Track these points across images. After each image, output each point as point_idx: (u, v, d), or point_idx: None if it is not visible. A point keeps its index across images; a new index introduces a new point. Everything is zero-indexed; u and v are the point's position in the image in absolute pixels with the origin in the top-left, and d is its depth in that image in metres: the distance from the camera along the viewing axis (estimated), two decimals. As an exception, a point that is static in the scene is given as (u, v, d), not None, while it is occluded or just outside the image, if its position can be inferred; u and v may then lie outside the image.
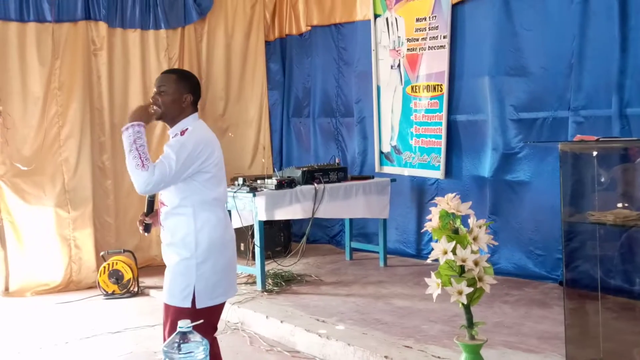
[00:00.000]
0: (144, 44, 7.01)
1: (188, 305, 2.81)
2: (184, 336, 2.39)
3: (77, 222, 6.40)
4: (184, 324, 2.41)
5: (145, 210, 3.01)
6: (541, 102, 5.47)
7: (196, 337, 2.39)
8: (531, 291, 5.23)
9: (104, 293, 6.00)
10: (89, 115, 6.57)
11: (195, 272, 2.82)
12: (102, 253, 6.24)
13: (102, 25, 6.69)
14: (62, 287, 6.27)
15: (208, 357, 2.33)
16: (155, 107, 2.87)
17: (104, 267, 6.01)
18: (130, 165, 2.69)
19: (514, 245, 5.70)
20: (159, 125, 6.85)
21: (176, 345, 2.35)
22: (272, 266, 6.16)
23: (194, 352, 2.31)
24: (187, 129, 2.86)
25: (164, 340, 2.87)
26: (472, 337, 3.76)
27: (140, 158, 2.67)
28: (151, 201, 2.98)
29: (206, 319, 2.69)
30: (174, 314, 2.80)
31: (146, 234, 3.07)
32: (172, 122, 2.91)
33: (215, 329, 3.09)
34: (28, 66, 6.28)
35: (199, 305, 2.82)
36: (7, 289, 6.17)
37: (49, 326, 5.23)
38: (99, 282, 6.02)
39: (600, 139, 3.23)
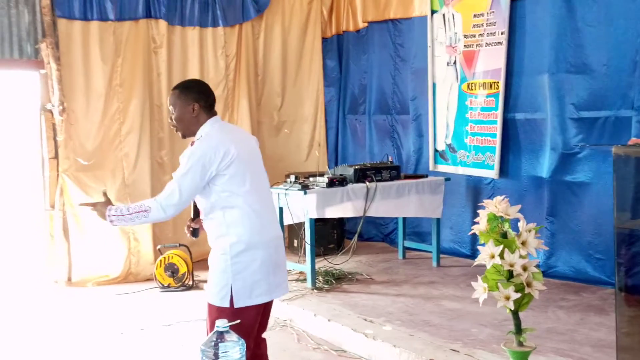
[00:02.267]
0: (203, 41, 7.13)
1: (227, 305, 2.85)
2: (221, 335, 2.42)
3: (136, 215, 6.57)
4: (221, 324, 2.45)
5: (192, 216, 3.07)
6: (603, 100, 5.26)
7: (233, 336, 2.42)
8: (589, 296, 5.05)
9: (160, 286, 6.16)
10: (149, 112, 6.74)
11: (231, 272, 2.85)
12: (158, 247, 6.40)
13: (162, 23, 6.85)
14: (122, 279, 6.47)
15: (244, 357, 2.36)
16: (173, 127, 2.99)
17: (161, 260, 6.17)
18: (144, 222, 2.87)
19: (573, 248, 5.52)
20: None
21: (213, 344, 2.39)
22: (323, 264, 6.17)
23: (229, 351, 2.35)
24: (198, 138, 2.90)
25: None
26: (520, 344, 3.68)
27: (138, 212, 2.81)
28: (195, 205, 3.02)
29: (245, 319, 2.74)
30: (214, 314, 2.84)
31: (194, 238, 3.14)
32: (192, 133, 2.96)
33: (263, 328, 3.12)
34: (91, 64, 6.49)
35: (237, 305, 2.85)
36: (69, 279, 6.42)
37: (108, 316, 5.41)
38: (155, 275, 6.18)
39: (656, 143, 3.08)
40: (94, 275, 6.42)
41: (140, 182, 6.63)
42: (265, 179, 3.11)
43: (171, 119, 2.96)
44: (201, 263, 6.79)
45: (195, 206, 3.02)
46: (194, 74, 7.06)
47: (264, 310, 3.05)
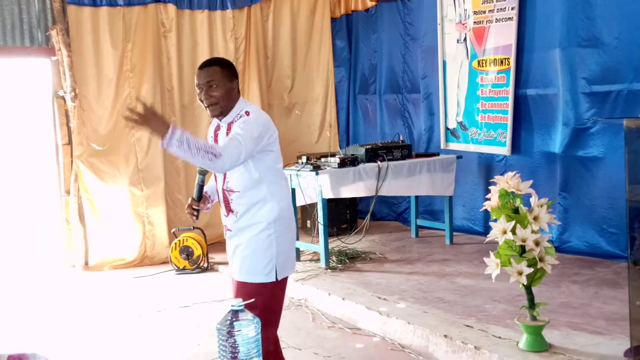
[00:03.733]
0: (212, 24, 7.12)
1: (273, 279, 2.86)
2: (236, 314, 2.46)
3: (150, 199, 6.65)
4: (235, 302, 2.49)
5: (195, 197, 2.96)
6: (616, 74, 5.21)
7: (248, 315, 2.46)
8: (603, 271, 5.05)
9: (176, 268, 6.23)
10: (160, 96, 6.77)
11: (275, 245, 2.87)
12: (173, 230, 6.47)
13: (171, 7, 6.85)
14: (138, 262, 6.55)
15: (260, 335, 2.39)
16: (208, 106, 2.85)
17: (175, 243, 6.23)
18: (203, 163, 2.64)
19: (586, 223, 5.50)
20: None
21: (229, 322, 2.43)
22: (337, 243, 6.20)
23: (244, 329, 2.38)
24: (247, 111, 2.86)
25: None
26: (534, 318, 3.70)
27: (207, 152, 2.58)
28: (201, 186, 2.95)
29: (283, 290, 2.93)
30: (256, 291, 2.78)
31: (196, 220, 3.04)
32: (229, 111, 2.89)
33: None
34: (102, 49, 6.52)
35: (280, 277, 2.88)
36: (86, 263, 6.51)
37: (125, 299, 5.49)
38: (170, 258, 6.25)
39: (668, 115, 3.06)
40: (111, 259, 6.51)
41: (154, 167, 6.68)
42: None
43: (211, 94, 2.82)
44: (216, 245, 6.86)
45: (200, 187, 2.95)
46: (203, 57, 7.03)
47: None
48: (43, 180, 6.78)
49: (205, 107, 2.86)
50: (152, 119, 2.52)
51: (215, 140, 2.97)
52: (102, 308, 5.28)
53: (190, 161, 2.62)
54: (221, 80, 2.82)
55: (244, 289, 2.86)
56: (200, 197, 2.96)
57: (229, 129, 2.85)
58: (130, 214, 6.57)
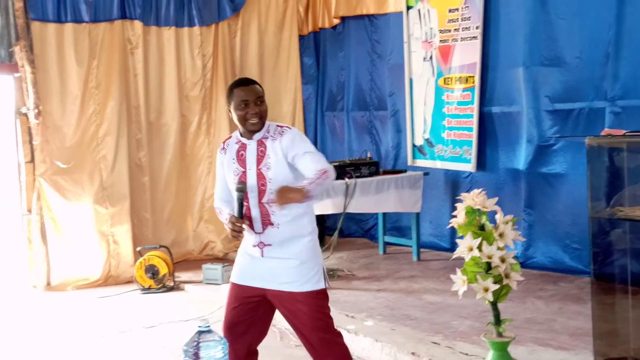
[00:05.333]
0: (179, 41, 7.10)
1: (323, 285, 2.97)
2: (202, 335, 2.42)
3: (115, 218, 6.55)
4: (202, 324, 2.45)
5: (236, 214, 2.94)
6: (577, 92, 5.34)
7: (215, 336, 2.43)
8: (566, 286, 5.12)
9: (141, 288, 6.13)
10: (126, 113, 6.70)
11: (319, 254, 3.02)
12: (138, 248, 6.37)
13: (138, 24, 6.81)
14: (102, 282, 6.43)
15: (227, 357, 2.36)
16: (255, 120, 2.93)
17: (141, 262, 6.14)
18: (327, 185, 2.90)
19: (550, 239, 5.59)
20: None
21: (195, 343, 2.39)
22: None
23: (211, 351, 2.35)
24: (279, 125, 2.99)
25: None
26: (500, 334, 3.71)
27: (324, 178, 2.83)
28: (241, 203, 2.92)
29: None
30: (309, 299, 2.90)
31: (240, 238, 3.02)
32: (262, 128, 3.00)
33: None
34: (66, 66, 6.44)
35: (327, 284, 3.01)
36: (49, 283, 6.36)
37: (88, 320, 5.37)
38: (135, 277, 6.15)
39: (627, 133, 3.13)
40: (74, 278, 6.36)
41: (119, 185, 6.59)
42: None
43: (260, 110, 2.94)
44: (182, 264, 6.80)
45: (241, 205, 2.93)
46: (171, 74, 7.04)
47: None
48: (4, 199, 6.64)
49: (250, 122, 2.92)
50: (288, 196, 2.76)
51: (242, 162, 2.96)
52: (64, 329, 5.15)
53: (325, 189, 3.00)
54: (264, 97, 2.99)
55: (297, 297, 2.92)
56: (242, 214, 2.94)
57: (260, 144, 2.94)
58: (95, 232, 6.46)
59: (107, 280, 6.46)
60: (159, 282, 6.12)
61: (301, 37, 8.00)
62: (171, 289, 6.15)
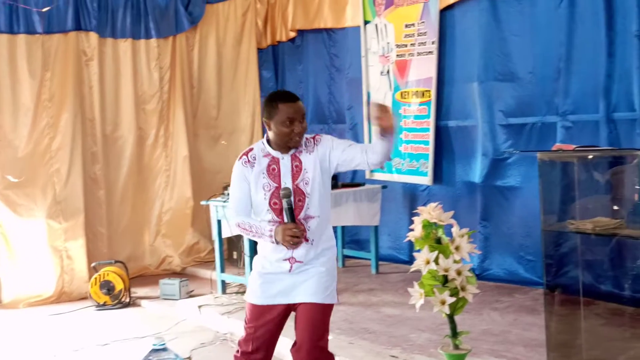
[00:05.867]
0: (135, 53, 7.02)
1: (336, 300, 3.02)
2: (157, 353, 2.38)
3: (69, 233, 6.41)
4: (157, 342, 2.41)
5: (288, 220, 2.86)
6: (530, 107, 5.46)
7: (170, 354, 2.39)
8: (521, 297, 5.21)
9: (96, 304, 6.00)
10: (81, 126, 6.59)
11: (336, 267, 3.07)
12: (93, 264, 6.24)
13: (93, 36, 6.71)
14: (55, 299, 6.27)
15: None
16: (299, 138, 2.92)
17: (95, 278, 6.01)
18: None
19: (505, 251, 5.68)
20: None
21: (150, 363, 2.34)
22: (263, 275, 6.13)
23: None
24: (313, 136, 2.99)
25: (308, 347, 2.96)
26: (456, 347, 3.75)
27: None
28: (291, 209, 2.85)
29: None
30: (322, 312, 2.95)
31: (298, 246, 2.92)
32: None
33: None
34: (18, 78, 6.31)
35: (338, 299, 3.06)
36: (0, 300, 6.18)
37: (40, 338, 5.23)
38: (90, 294, 6.02)
39: (577, 148, 3.21)
40: (25, 295, 6.20)
41: (73, 198, 6.46)
42: None
43: (304, 127, 2.91)
44: (138, 279, 6.69)
45: (291, 211, 2.85)
46: (127, 86, 6.95)
47: None
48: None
49: (295, 140, 2.90)
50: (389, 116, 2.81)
51: (273, 176, 2.91)
52: (14, 348, 5.00)
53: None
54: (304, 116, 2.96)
55: (320, 310, 2.95)
56: (294, 220, 2.86)
57: (294, 159, 2.93)
58: (48, 248, 6.31)
59: (61, 296, 6.31)
60: (115, 298, 6.00)
61: (260, 50, 8.00)
62: (127, 305, 6.03)
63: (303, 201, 2.89)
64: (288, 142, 2.90)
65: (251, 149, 2.98)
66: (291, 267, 2.93)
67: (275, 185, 2.90)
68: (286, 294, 2.96)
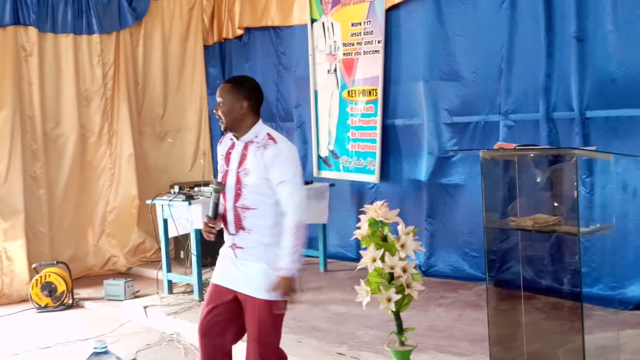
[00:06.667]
0: (77, 49, 6.86)
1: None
2: (98, 356, 2.34)
3: (8, 233, 6.22)
4: (99, 345, 2.36)
5: (211, 215, 2.92)
6: (473, 106, 5.57)
7: (112, 357, 2.35)
8: (466, 293, 5.31)
9: (37, 306, 5.84)
10: (20, 123, 6.39)
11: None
12: (34, 265, 6.06)
13: (32, 30, 6.53)
14: (-7, 301, 6.08)
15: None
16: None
17: (36, 279, 5.84)
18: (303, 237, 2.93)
19: (450, 247, 5.78)
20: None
21: (93, 367, 2.29)
22: (211, 274, 6.06)
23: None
24: (269, 134, 2.93)
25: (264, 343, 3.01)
26: (402, 343, 3.80)
27: (298, 237, 2.88)
28: (216, 204, 2.91)
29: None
30: (270, 307, 2.90)
31: (214, 239, 2.97)
32: (239, 130, 2.95)
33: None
34: (-47, 73, 6.08)
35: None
36: None
37: (-24, 343, 5.05)
38: (31, 296, 5.85)
39: (517, 147, 3.30)
40: (-38, 298, 5.99)
41: (12, 198, 6.26)
42: None
43: (217, 110, 2.94)
44: (81, 280, 6.55)
45: (216, 206, 2.91)
46: (69, 82, 6.78)
47: None
48: None
49: (220, 122, 2.97)
50: (285, 292, 2.87)
51: (227, 161, 2.96)
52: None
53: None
54: (228, 99, 2.92)
55: (257, 305, 2.92)
56: (216, 215, 2.91)
57: (245, 147, 2.91)
58: (-15, 249, 6.11)
59: (0, 299, 6.10)
60: (57, 300, 5.84)
61: (206, 48, 7.93)
62: (70, 306, 5.88)
63: (241, 190, 2.91)
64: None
65: None
66: (234, 253, 2.96)
67: (226, 169, 2.97)
68: (233, 280, 2.96)
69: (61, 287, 5.85)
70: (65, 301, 5.88)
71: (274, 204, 2.91)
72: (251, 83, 3.02)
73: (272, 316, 2.95)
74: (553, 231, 3.15)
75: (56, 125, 6.74)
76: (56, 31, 6.71)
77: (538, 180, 3.38)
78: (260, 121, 2.99)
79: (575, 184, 3.12)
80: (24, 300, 6.03)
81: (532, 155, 3.34)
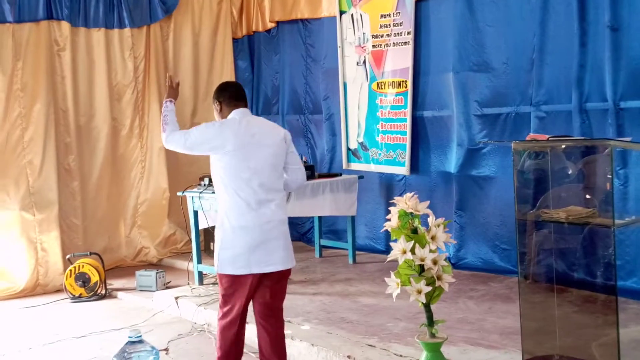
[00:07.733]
0: (109, 43, 6.95)
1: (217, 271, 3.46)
2: (134, 345, 2.37)
3: (43, 224, 6.33)
4: (133, 334, 2.40)
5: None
6: (504, 97, 5.50)
7: (146, 346, 2.38)
8: (496, 286, 5.27)
9: (71, 296, 5.95)
10: (54, 117, 6.50)
11: (220, 244, 3.45)
12: (68, 256, 6.18)
13: (65, 25, 6.62)
14: (29, 291, 6.20)
15: (159, 366, 2.32)
16: None
17: (70, 270, 5.95)
18: (162, 130, 3.49)
19: (480, 240, 5.74)
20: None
21: (126, 353, 2.34)
22: (240, 265, 6.12)
23: (144, 361, 2.30)
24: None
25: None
26: (433, 335, 3.80)
27: (162, 124, 3.48)
28: None
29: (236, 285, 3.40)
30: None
31: None
32: None
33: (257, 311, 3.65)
34: (-11, 68, 6.19)
35: (220, 271, 3.42)
36: (-29, 294, 6.10)
37: (12, 332, 5.17)
38: (65, 286, 5.97)
39: (550, 138, 3.25)
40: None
41: (46, 190, 6.38)
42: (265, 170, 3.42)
43: None
44: (114, 271, 6.65)
45: None
46: (101, 76, 6.87)
47: (257, 289, 3.50)
48: None
49: None
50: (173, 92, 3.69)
51: None
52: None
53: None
54: (213, 104, 3.57)
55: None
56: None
57: None
58: (21, 240, 6.23)
59: (35, 289, 6.23)
60: (90, 290, 5.95)
61: (235, 40, 7.96)
62: (103, 297, 5.99)
63: None
64: None
65: None
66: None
67: None
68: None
69: (94, 277, 5.95)
70: (99, 291, 5.98)
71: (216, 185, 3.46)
72: (220, 85, 3.61)
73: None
74: (587, 223, 3.11)
75: (89, 119, 6.84)
76: (88, 25, 6.80)
77: (570, 172, 3.34)
78: (234, 111, 3.46)
79: (609, 175, 3.07)
80: (59, 290, 6.15)
81: (564, 146, 3.29)
